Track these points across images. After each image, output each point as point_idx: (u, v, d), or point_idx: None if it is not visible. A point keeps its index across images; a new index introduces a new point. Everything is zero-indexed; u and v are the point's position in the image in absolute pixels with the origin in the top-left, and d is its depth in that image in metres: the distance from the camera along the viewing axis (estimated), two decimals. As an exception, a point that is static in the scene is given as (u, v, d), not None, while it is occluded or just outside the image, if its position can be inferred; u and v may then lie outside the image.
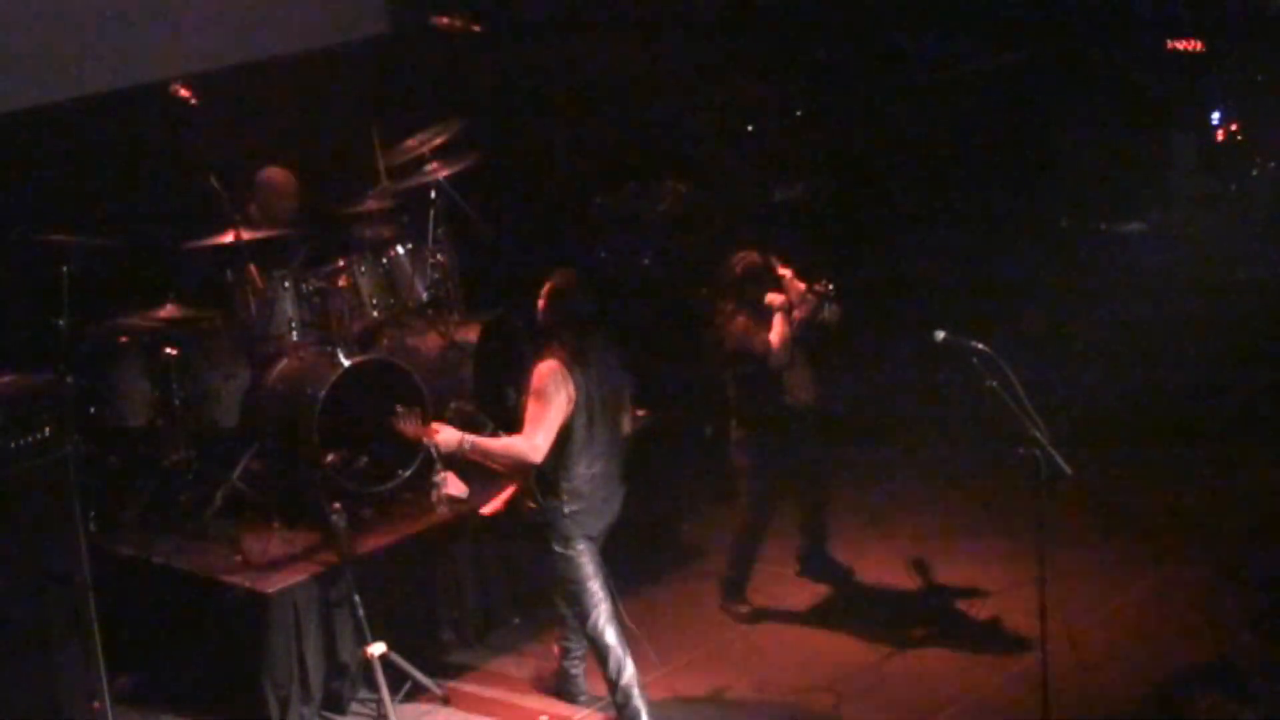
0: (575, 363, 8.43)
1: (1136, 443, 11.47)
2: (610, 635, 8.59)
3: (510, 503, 8.76)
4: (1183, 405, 11.90)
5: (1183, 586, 9.73)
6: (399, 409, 8.76)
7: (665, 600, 10.14)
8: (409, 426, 8.59)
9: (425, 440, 8.54)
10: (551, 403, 8.36)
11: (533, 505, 8.60)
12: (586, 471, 8.54)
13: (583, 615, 8.63)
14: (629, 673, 8.60)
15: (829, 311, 9.50)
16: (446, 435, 8.48)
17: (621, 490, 8.82)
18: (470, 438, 8.49)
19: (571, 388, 8.39)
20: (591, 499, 8.58)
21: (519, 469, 8.54)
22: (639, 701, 8.57)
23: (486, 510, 8.91)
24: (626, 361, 8.80)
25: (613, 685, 8.63)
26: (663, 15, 13.12)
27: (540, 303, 8.64)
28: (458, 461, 8.61)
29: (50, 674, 8.60)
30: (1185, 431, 11.54)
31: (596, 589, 8.60)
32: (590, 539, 8.63)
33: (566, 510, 8.53)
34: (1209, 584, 9.72)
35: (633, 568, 10.14)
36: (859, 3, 13.76)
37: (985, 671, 9.07)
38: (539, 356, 8.54)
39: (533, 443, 8.36)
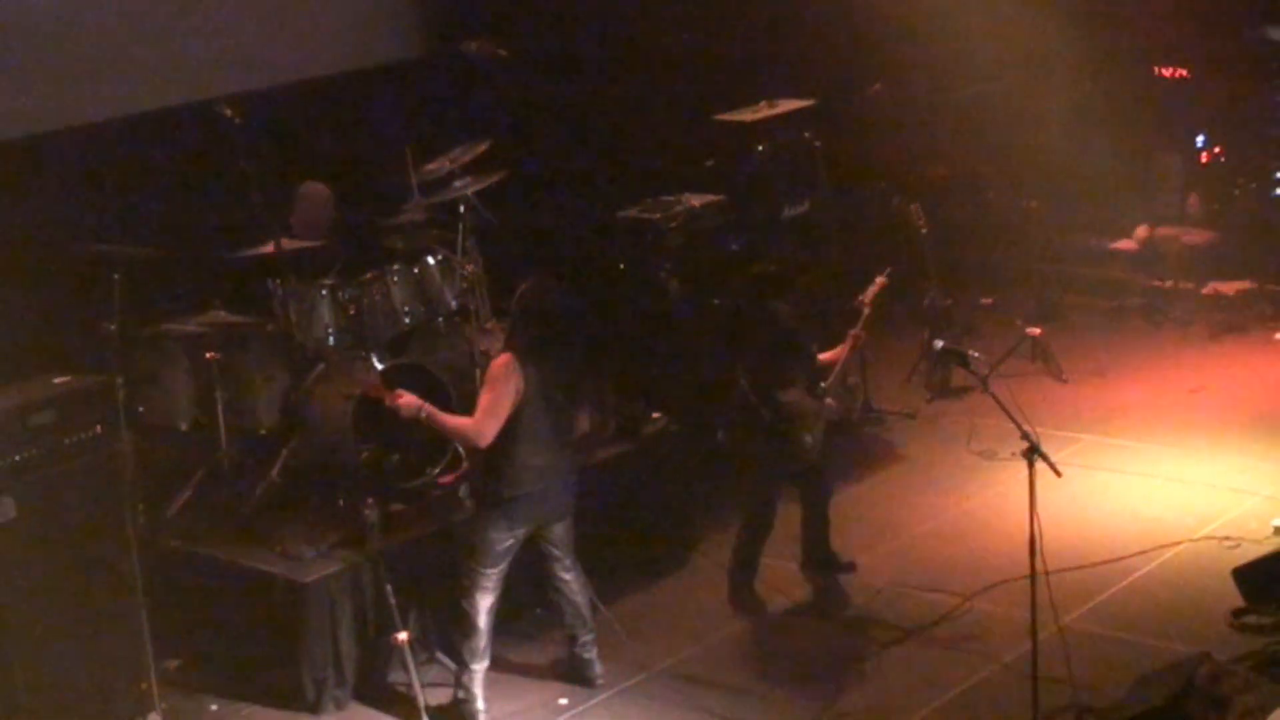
0: (528, 359, 8.64)
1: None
2: (482, 619, 8.82)
3: (463, 477, 9.08)
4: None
5: (1166, 579, 9.80)
6: (361, 370, 9.09)
7: (676, 594, 10.20)
8: (372, 388, 8.85)
9: (388, 401, 8.72)
10: (500, 392, 8.57)
11: (478, 484, 8.88)
12: (529, 461, 8.69)
13: (464, 589, 8.82)
14: (482, 664, 8.87)
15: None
16: (407, 400, 8.69)
17: (569, 487, 8.96)
18: (428, 408, 8.70)
19: (520, 380, 8.58)
20: (531, 489, 8.73)
21: (467, 448, 8.85)
22: (477, 689, 8.86)
23: (444, 481, 9.28)
24: (591, 368, 9.04)
25: (463, 664, 8.88)
26: (680, 42, 13.20)
27: (514, 300, 8.88)
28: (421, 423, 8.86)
29: (101, 657, 8.69)
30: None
31: (492, 575, 8.79)
32: (520, 529, 8.78)
33: (505, 494, 8.69)
34: (1192, 576, 9.80)
35: (647, 563, 10.29)
36: (865, 30, 13.80)
37: (979, 662, 9.12)
38: (499, 350, 8.81)
39: (479, 428, 8.59)
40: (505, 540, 8.77)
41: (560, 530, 8.99)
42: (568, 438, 8.98)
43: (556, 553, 9.02)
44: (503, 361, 8.66)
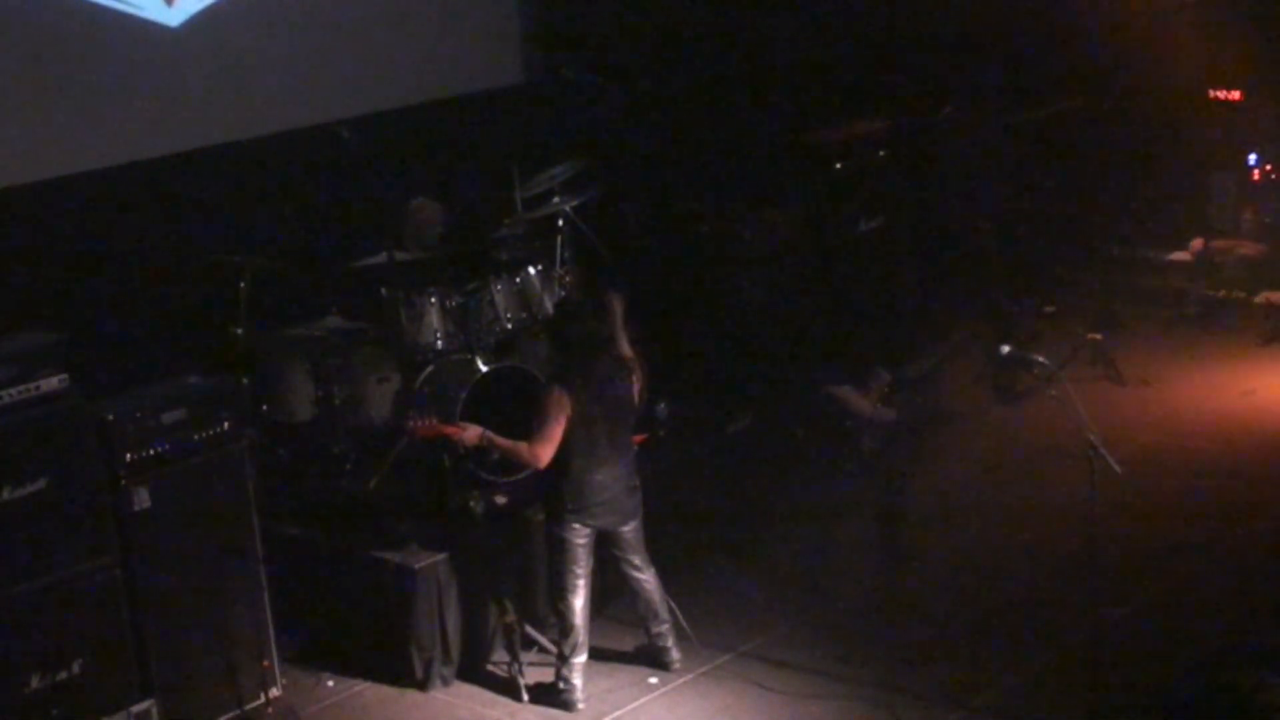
0: (574, 383, 8.64)
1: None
2: (577, 617, 8.82)
3: (534, 486, 9.13)
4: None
5: (1221, 569, 9.70)
6: (412, 415, 9.02)
7: (757, 579, 10.06)
8: (424, 428, 8.86)
9: (453, 435, 8.84)
10: (549, 418, 8.58)
11: (546, 496, 8.92)
12: (582, 476, 8.68)
13: (558, 591, 8.84)
14: (580, 658, 8.87)
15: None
16: (471, 431, 8.79)
17: (630, 494, 8.88)
18: (488, 434, 8.77)
19: (568, 406, 8.58)
20: (588, 500, 8.72)
21: (527, 467, 8.90)
22: (576, 680, 8.85)
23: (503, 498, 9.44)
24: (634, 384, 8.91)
25: (562, 658, 8.88)
26: (762, 67, 13.18)
27: (549, 330, 9.02)
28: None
29: (227, 635, 8.78)
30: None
31: (579, 573, 8.79)
32: (589, 531, 8.78)
33: (568, 506, 8.71)
34: (1244, 565, 9.68)
35: (730, 551, 10.25)
36: (932, 53, 13.74)
37: (1042, 646, 9.05)
38: (549, 378, 8.90)
39: (534, 451, 8.63)
40: (579, 540, 8.77)
41: (627, 533, 8.95)
42: (625, 449, 8.92)
43: (626, 554, 9.00)
44: (551, 389, 8.68)
